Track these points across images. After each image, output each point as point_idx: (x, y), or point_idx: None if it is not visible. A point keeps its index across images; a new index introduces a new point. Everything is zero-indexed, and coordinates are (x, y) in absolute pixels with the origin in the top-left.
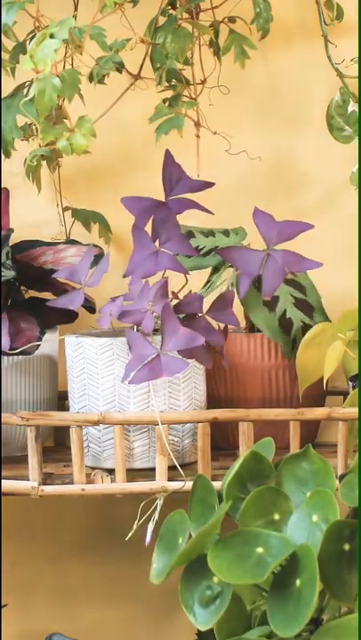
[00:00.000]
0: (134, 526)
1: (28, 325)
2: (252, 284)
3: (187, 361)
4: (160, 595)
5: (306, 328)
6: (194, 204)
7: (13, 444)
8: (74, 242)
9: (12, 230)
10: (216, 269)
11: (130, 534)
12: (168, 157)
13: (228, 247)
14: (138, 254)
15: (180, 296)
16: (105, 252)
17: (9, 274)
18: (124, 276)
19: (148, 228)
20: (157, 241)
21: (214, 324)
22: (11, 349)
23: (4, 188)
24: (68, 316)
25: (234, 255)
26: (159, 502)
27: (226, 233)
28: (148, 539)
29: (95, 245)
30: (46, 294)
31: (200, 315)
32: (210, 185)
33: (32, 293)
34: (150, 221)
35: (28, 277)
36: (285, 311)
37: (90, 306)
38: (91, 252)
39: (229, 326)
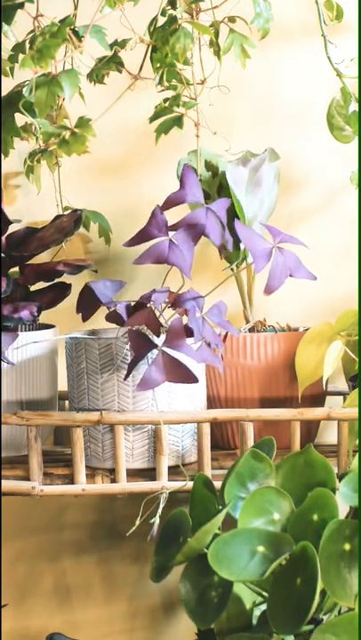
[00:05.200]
0: (137, 522)
1: (26, 303)
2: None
3: (196, 376)
4: (160, 594)
5: None
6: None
7: (17, 443)
8: (59, 216)
9: (14, 221)
10: None
11: (132, 530)
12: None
13: (245, 226)
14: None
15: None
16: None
17: None
18: (129, 253)
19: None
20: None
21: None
22: (11, 324)
23: None
24: (60, 297)
25: (247, 234)
26: (163, 497)
27: None
28: (154, 532)
29: (75, 210)
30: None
31: (199, 315)
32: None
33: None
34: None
35: (24, 272)
36: None
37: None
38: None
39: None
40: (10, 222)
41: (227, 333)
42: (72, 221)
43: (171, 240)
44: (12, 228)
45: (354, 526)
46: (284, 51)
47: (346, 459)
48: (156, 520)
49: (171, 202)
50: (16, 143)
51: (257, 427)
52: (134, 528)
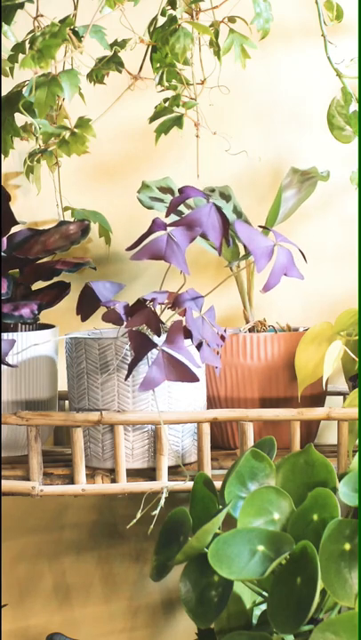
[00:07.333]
0: (138, 515)
1: (26, 302)
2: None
3: (197, 375)
4: (160, 593)
5: None
6: (224, 233)
7: (17, 443)
8: (64, 222)
9: (21, 222)
10: None
11: (132, 522)
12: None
13: (244, 224)
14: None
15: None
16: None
17: None
18: (129, 252)
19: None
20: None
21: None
22: (12, 320)
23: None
24: (60, 296)
25: (248, 234)
26: (164, 493)
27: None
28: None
29: (81, 220)
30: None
31: (197, 315)
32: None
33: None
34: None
35: (24, 271)
36: None
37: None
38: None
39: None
40: (16, 222)
41: (223, 337)
42: (80, 230)
43: (169, 235)
44: (13, 229)
45: (354, 526)
46: (284, 51)
47: (346, 459)
48: (157, 513)
49: (174, 205)
50: (16, 143)
51: (257, 427)
52: (135, 521)
